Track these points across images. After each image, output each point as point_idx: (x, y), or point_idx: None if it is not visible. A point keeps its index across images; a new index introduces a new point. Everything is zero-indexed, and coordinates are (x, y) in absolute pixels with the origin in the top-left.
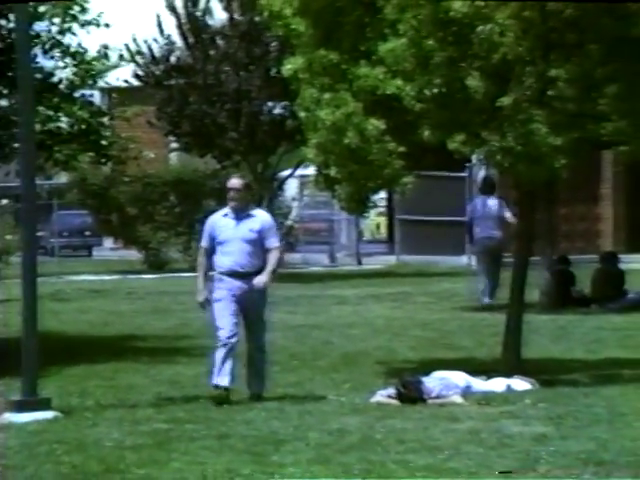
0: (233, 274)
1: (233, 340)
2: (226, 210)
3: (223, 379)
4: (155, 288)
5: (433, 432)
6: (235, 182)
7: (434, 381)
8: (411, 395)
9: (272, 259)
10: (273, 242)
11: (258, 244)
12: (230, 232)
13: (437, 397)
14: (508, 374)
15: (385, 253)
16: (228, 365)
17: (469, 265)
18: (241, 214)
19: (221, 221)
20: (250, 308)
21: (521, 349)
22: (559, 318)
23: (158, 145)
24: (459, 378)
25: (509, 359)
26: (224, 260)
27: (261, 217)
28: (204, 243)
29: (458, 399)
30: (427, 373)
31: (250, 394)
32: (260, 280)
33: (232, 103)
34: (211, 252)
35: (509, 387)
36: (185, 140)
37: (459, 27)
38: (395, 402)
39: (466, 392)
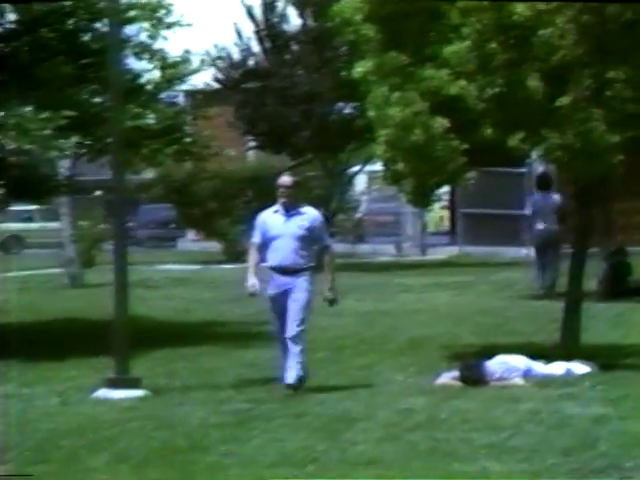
0: (280, 269)
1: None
2: (276, 207)
3: (291, 376)
4: (233, 277)
5: (495, 412)
6: (285, 180)
7: (496, 364)
8: (474, 377)
9: (330, 263)
10: (326, 239)
11: (307, 241)
12: (280, 228)
13: (499, 379)
14: (567, 358)
15: (448, 244)
16: (289, 364)
17: (528, 256)
18: (291, 211)
19: (271, 217)
20: (293, 302)
21: (580, 335)
22: (616, 306)
23: (236, 143)
24: (520, 362)
25: (568, 344)
26: (273, 255)
27: (310, 214)
28: (256, 239)
29: (519, 381)
30: (489, 357)
31: (292, 382)
32: (331, 297)
33: (304, 104)
34: (262, 247)
35: (568, 370)
36: (261, 139)
37: (520, 31)
38: (459, 384)
39: (527, 375)
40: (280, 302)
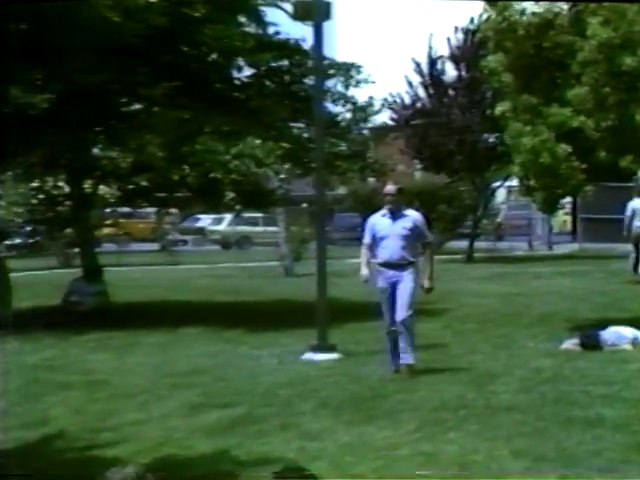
0: (389, 264)
1: (395, 327)
2: (384, 211)
3: (406, 358)
4: None
5: (608, 371)
6: (390, 188)
7: (609, 333)
8: (591, 344)
9: (430, 258)
10: (427, 237)
11: (410, 239)
12: (387, 229)
13: (611, 345)
14: None
15: (570, 242)
16: (402, 346)
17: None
18: (396, 214)
19: (380, 220)
20: (400, 293)
21: None
22: None
23: (407, 166)
24: (628, 332)
25: None
26: (382, 253)
27: (413, 216)
28: (366, 239)
29: (628, 347)
30: (603, 328)
31: (401, 365)
32: (428, 286)
33: (458, 135)
34: (372, 246)
35: None
36: (425, 162)
37: (628, 77)
38: (579, 349)
39: (634, 342)
40: (389, 293)
